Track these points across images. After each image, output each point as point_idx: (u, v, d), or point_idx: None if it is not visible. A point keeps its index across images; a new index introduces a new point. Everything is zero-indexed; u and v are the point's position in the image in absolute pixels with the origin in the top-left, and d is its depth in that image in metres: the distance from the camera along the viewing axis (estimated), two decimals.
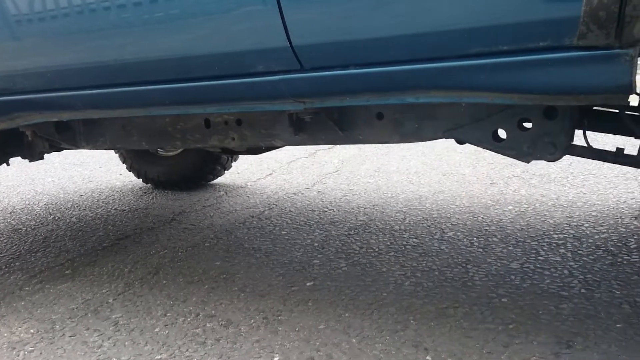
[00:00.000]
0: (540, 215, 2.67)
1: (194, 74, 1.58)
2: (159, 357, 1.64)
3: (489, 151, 1.60)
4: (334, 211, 3.01)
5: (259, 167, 4.42)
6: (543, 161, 1.57)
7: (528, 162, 1.54)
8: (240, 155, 4.09)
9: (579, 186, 3.13)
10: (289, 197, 3.41)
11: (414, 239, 2.46)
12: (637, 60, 1.09)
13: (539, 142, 1.49)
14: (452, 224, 2.63)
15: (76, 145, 2.34)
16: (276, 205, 3.24)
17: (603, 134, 1.81)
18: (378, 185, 3.56)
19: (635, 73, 1.11)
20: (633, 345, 1.50)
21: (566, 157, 1.70)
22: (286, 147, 4.96)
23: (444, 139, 1.68)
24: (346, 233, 2.62)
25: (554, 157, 1.48)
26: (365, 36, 1.28)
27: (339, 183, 3.69)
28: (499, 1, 1.12)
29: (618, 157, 1.61)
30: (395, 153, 4.63)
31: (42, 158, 2.53)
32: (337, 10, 1.29)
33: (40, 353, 1.72)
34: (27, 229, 3.12)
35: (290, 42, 1.36)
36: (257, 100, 1.56)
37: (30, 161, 2.52)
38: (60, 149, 2.52)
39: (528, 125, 1.52)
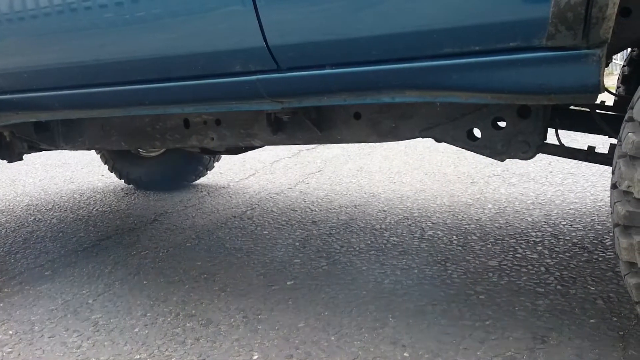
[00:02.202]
0: (519, 213, 2.71)
1: (172, 74, 1.59)
2: (138, 356, 1.64)
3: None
4: (315, 211, 3.02)
5: (242, 168, 4.42)
6: (523, 160, 1.59)
7: (502, 160, 1.56)
8: (222, 156, 4.09)
9: (558, 185, 3.17)
10: (271, 197, 3.42)
11: (395, 238, 2.48)
12: (604, 61, 1.12)
13: (513, 140, 1.52)
14: (432, 223, 2.66)
15: (55, 146, 2.33)
16: (258, 205, 3.24)
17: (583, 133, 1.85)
18: (360, 184, 3.57)
19: (603, 73, 1.13)
20: (605, 340, 1.53)
21: (546, 156, 1.73)
22: (269, 148, 4.97)
23: (425, 139, 1.71)
24: (327, 232, 2.63)
25: (527, 155, 1.51)
26: (340, 37, 1.29)
27: (322, 183, 3.70)
28: (469, 2, 1.14)
29: (589, 155, 1.64)
30: (378, 153, 4.66)
31: (21, 159, 2.51)
32: (311, 11, 1.30)
33: (19, 354, 1.71)
34: (7, 231, 3.09)
35: (266, 43, 1.37)
36: (235, 100, 1.57)
37: (9, 162, 2.50)
38: (40, 150, 2.51)
39: (502, 124, 1.55)
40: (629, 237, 1.08)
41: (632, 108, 1.13)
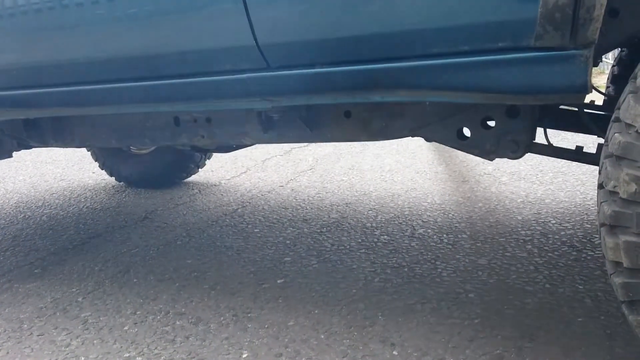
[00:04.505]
0: (509, 212, 2.72)
1: (163, 72, 1.58)
2: (127, 355, 1.64)
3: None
4: (307, 209, 3.02)
5: (233, 165, 4.41)
6: (512, 159, 1.60)
7: (492, 159, 1.57)
8: (214, 154, 4.08)
9: (548, 183, 3.19)
10: (262, 195, 3.42)
11: (385, 236, 2.49)
12: (592, 61, 1.12)
13: (502, 140, 1.53)
14: (423, 221, 2.66)
15: (45, 143, 2.32)
16: (250, 203, 3.24)
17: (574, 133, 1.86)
18: (352, 183, 3.58)
19: (591, 73, 1.14)
20: (593, 338, 1.54)
21: (536, 155, 1.74)
22: (261, 145, 4.97)
23: (416, 137, 1.71)
24: (318, 230, 2.63)
25: (516, 154, 1.52)
26: (330, 36, 1.29)
27: (313, 181, 3.70)
28: (459, 2, 1.14)
29: (577, 155, 1.65)
30: (369, 151, 4.66)
31: (10, 156, 2.50)
32: (301, 10, 1.30)
33: (7, 352, 1.70)
34: None
35: (256, 41, 1.37)
36: (225, 98, 1.57)
37: None
38: (29, 147, 2.50)
39: (491, 123, 1.56)
40: (614, 236, 1.09)
41: (619, 108, 1.13)
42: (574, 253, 2.15)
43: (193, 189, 3.71)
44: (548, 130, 1.72)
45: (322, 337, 1.66)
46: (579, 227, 2.44)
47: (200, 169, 3.89)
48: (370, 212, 2.88)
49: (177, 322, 1.81)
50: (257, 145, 3.51)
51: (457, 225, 2.57)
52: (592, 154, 1.66)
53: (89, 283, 2.20)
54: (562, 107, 1.80)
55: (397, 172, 3.79)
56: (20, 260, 2.53)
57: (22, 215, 3.34)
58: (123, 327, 1.81)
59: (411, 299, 1.85)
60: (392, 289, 1.94)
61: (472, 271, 2.04)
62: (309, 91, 1.43)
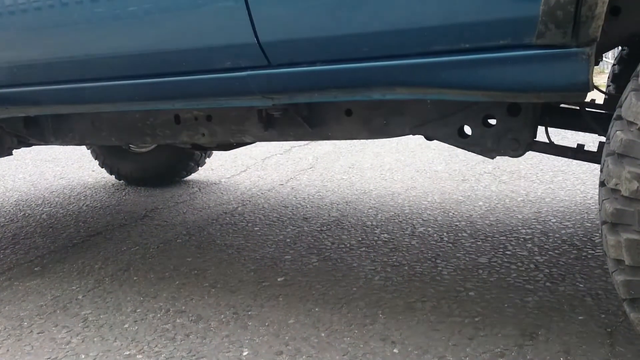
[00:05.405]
0: (509, 211, 2.72)
1: (162, 69, 1.58)
2: (127, 352, 1.64)
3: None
4: (307, 207, 3.02)
5: (233, 164, 4.41)
6: (513, 157, 1.60)
7: (492, 157, 1.57)
8: (214, 152, 4.08)
9: (548, 182, 3.19)
10: (262, 193, 3.42)
11: (386, 235, 2.49)
12: (593, 59, 1.12)
13: (503, 138, 1.53)
14: (423, 220, 2.66)
15: (45, 141, 2.32)
16: (250, 201, 3.24)
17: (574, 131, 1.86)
18: (352, 181, 3.58)
19: (592, 71, 1.14)
20: (593, 337, 1.54)
21: (536, 153, 1.74)
22: (261, 144, 4.97)
23: (417, 136, 1.71)
24: (318, 229, 2.63)
25: (517, 152, 1.52)
26: (331, 33, 1.29)
27: (313, 179, 3.70)
28: (460, 0, 1.14)
29: (578, 153, 1.65)
30: (369, 150, 4.66)
31: (10, 154, 2.49)
32: (303, 8, 1.30)
33: (7, 350, 1.70)
34: None
35: (257, 39, 1.36)
36: (226, 96, 1.57)
37: None
38: (29, 145, 2.50)
39: (492, 121, 1.55)
40: (616, 234, 1.09)
41: (620, 106, 1.13)
42: (575, 251, 2.15)
43: (193, 187, 3.71)
44: (549, 128, 1.72)
45: (323, 335, 1.66)
46: (579, 225, 2.44)
47: (200, 167, 3.89)
48: (371, 210, 2.88)
49: (178, 320, 1.81)
50: (257, 143, 3.51)
51: (457, 223, 2.57)
52: (593, 152, 1.66)
53: (89, 281, 2.20)
54: (563, 105, 1.80)
55: (397, 171, 3.79)
56: (20, 258, 2.53)
57: (22, 213, 3.34)
58: (123, 325, 1.81)
59: (411, 297, 1.85)
60: (392, 287, 1.94)
61: (472, 269, 2.04)
62: (310, 89, 1.43)
